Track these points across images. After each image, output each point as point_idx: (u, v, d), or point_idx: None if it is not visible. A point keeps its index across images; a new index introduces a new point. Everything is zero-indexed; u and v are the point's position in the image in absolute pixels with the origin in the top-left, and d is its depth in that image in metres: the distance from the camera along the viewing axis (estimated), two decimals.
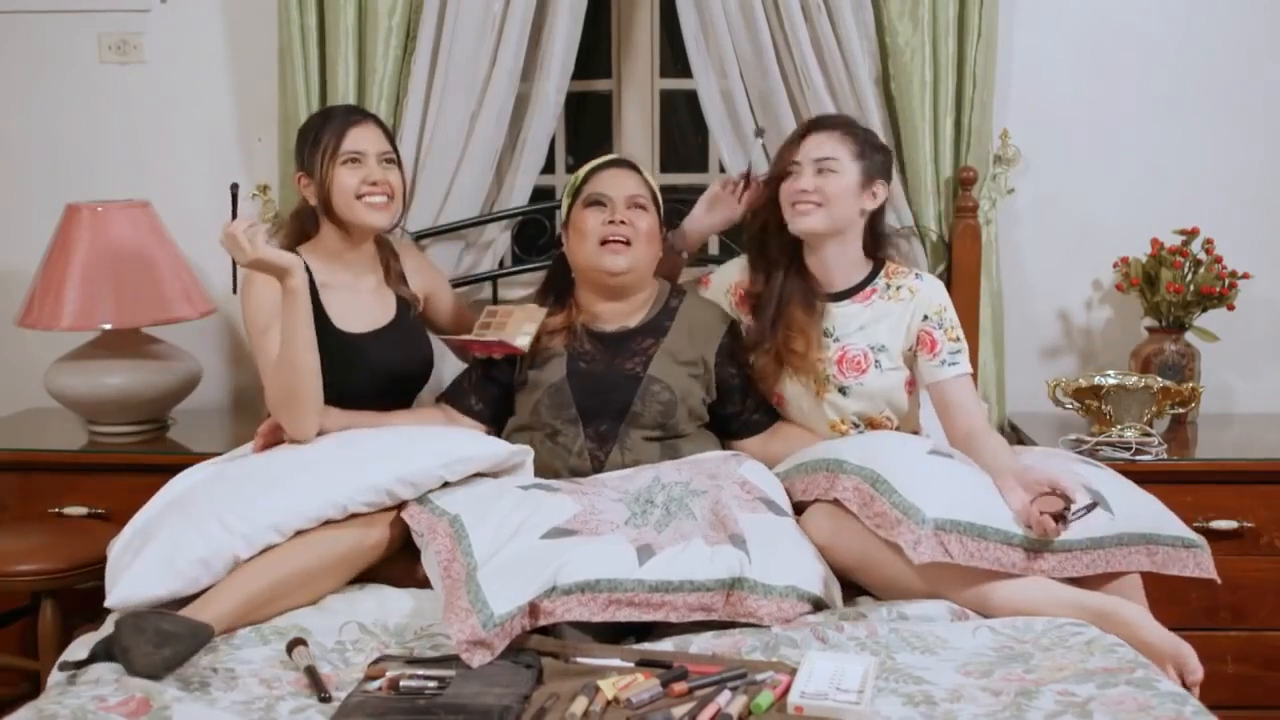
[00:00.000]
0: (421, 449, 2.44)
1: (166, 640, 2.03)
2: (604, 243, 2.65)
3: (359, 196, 2.66)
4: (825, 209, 2.61)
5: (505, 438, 2.69)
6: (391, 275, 2.80)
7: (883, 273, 2.70)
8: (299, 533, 2.31)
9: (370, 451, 2.44)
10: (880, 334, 2.66)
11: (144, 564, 2.23)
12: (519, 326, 2.68)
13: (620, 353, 2.69)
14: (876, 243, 2.73)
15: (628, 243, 2.65)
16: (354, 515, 2.36)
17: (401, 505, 2.42)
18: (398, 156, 2.76)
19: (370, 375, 2.67)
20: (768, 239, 2.72)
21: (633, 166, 2.76)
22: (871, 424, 2.69)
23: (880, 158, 2.69)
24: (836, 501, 2.38)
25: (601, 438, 2.65)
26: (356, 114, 2.74)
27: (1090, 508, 2.31)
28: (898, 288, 2.68)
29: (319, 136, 2.67)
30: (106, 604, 2.21)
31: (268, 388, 2.54)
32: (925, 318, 2.64)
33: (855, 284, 2.69)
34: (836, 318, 2.67)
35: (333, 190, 2.66)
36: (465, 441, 2.51)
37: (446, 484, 2.44)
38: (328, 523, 2.33)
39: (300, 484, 2.35)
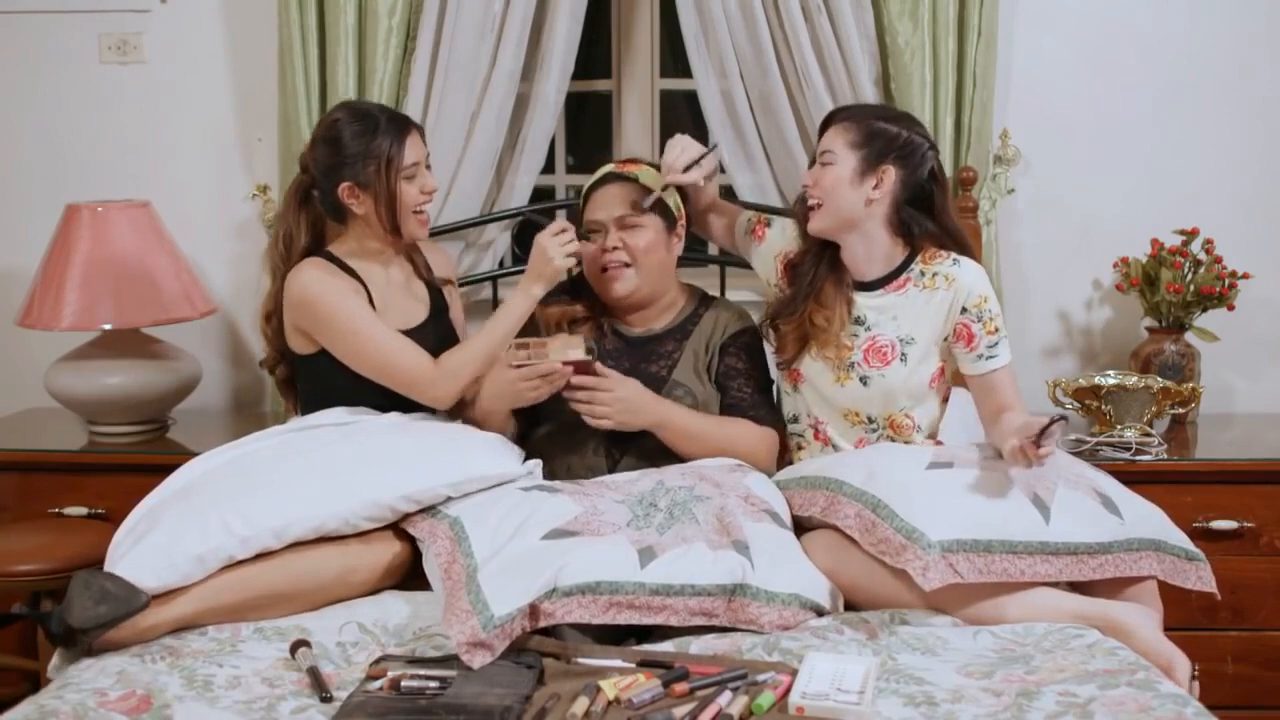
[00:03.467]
0: (434, 466, 2.43)
1: (105, 598, 2.12)
2: (604, 270, 2.65)
3: (415, 210, 2.66)
4: (825, 207, 2.57)
5: (526, 430, 2.70)
6: (419, 268, 2.78)
7: (918, 259, 2.62)
8: (297, 541, 2.31)
9: (382, 465, 2.41)
10: (911, 324, 2.59)
11: (142, 552, 2.24)
12: (564, 352, 2.56)
13: (645, 355, 2.69)
14: (904, 228, 2.61)
15: (628, 264, 2.64)
16: (359, 531, 2.35)
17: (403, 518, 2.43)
18: None
19: None
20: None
21: (627, 177, 2.69)
22: (892, 424, 2.63)
23: (890, 138, 2.54)
24: (834, 528, 2.36)
25: (621, 437, 2.64)
26: (404, 122, 2.67)
27: (1056, 420, 2.31)
28: (933, 275, 2.60)
29: (371, 148, 2.60)
30: (91, 570, 2.21)
31: (449, 363, 2.58)
32: (964, 310, 2.58)
33: (888, 273, 2.62)
34: (869, 307, 2.62)
35: (399, 205, 2.63)
36: (479, 460, 2.48)
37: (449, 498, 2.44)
38: (322, 540, 2.33)
39: (308, 491, 2.34)
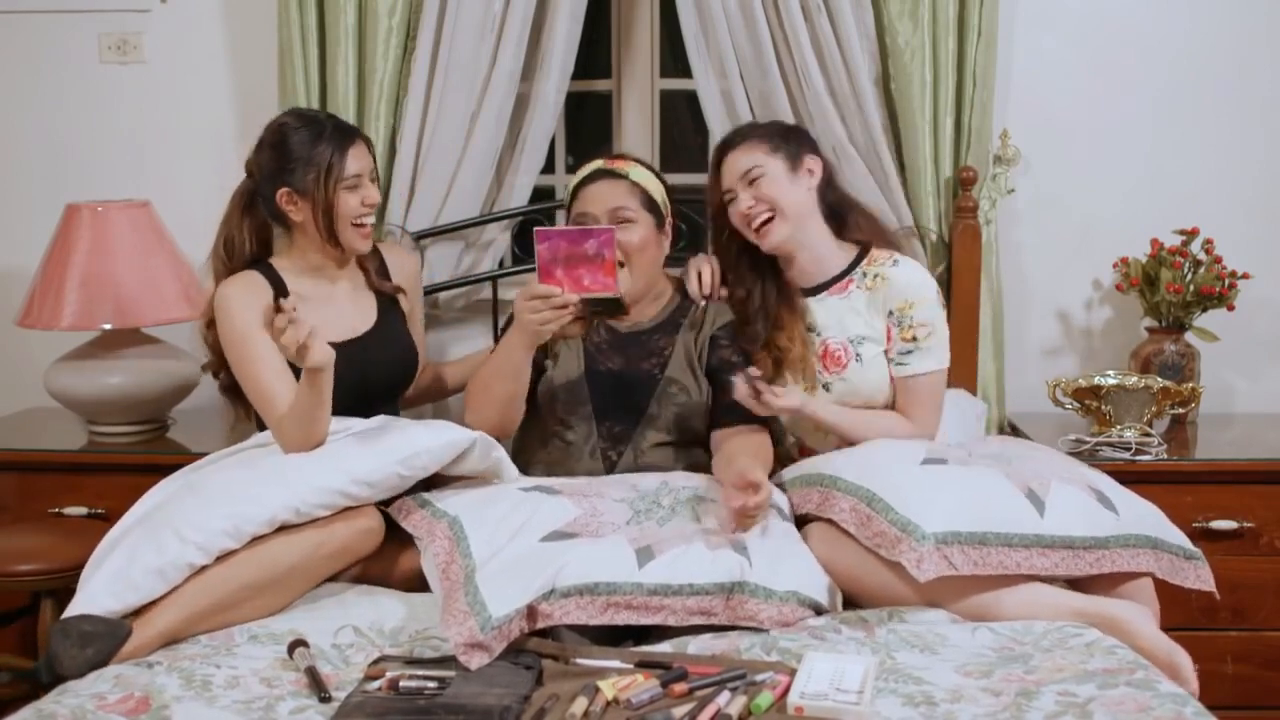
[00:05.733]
0: (380, 448, 2.39)
1: (89, 640, 2.12)
2: None
3: (355, 222, 2.62)
4: (779, 216, 2.62)
5: (520, 431, 2.67)
6: (372, 276, 2.75)
7: (864, 260, 2.70)
8: (257, 538, 2.29)
9: (325, 453, 2.40)
10: (858, 325, 2.65)
11: (101, 578, 2.24)
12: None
13: (637, 351, 2.68)
14: (839, 219, 2.72)
15: (621, 263, 2.58)
16: (314, 519, 2.32)
17: (386, 504, 2.40)
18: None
19: (348, 385, 2.53)
20: (742, 255, 2.72)
21: (617, 174, 2.68)
22: None
23: (795, 137, 2.69)
24: (830, 522, 2.37)
25: (616, 437, 2.64)
26: (350, 132, 2.65)
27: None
28: (874, 276, 2.67)
29: (313, 155, 2.58)
30: (64, 616, 2.21)
31: (285, 421, 2.46)
32: (890, 312, 2.64)
33: (834, 275, 2.69)
34: (818, 312, 2.68)
35: (336, 216, 2.61)
36: (421, 435, 2.43)
37: (431, 485, 2.42)
38: (284, 528, 2.30)
39: (256, 490, 2.32)
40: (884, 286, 2.65)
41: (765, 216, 2.62)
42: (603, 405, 2.65)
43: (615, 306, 2.47)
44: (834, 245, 2.71)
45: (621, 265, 2.59)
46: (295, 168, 2.59)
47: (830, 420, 2.60)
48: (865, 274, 2.68)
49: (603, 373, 2.67)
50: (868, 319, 2.65)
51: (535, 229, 2.41)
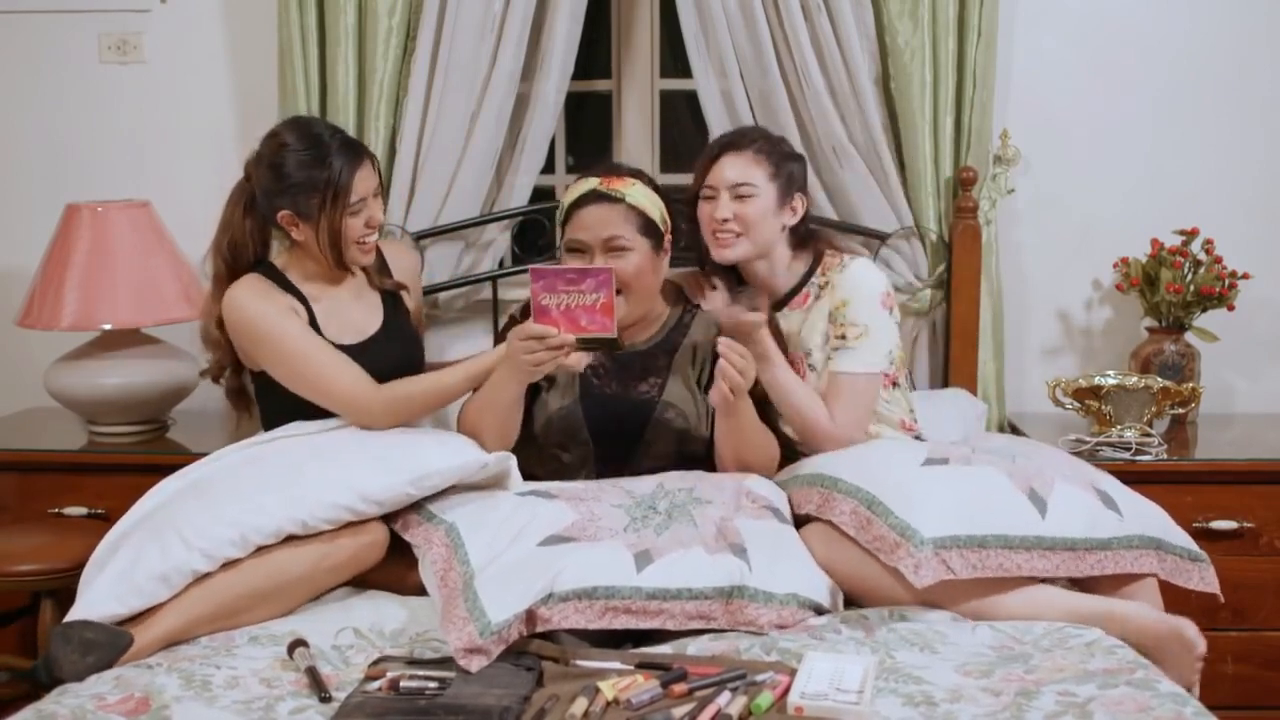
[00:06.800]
0: (392, 465, 2.37)
1: (91, 648, 2.12)
2: None
3: (358, 241, 2.59)
4: (746, 237, 2.63)
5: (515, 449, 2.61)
6: (372, 277, 2.72)
7: (819, 270, 2.72)
8: (261, 548, 2.28)
9: (339, 466, 2.38)
10: (814, 337, 2.67)
11: (105, 581, 2.23)
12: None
13: (633, 373, 2.63)
14: (804, 241, 2.74)
15: (617, 290, 2.45)
16: (320, 532, 2.31)
17: (390, 518, 2.39)
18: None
19: None
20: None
21: (613, 197, 2.53)
22: None
23: (796, 169, 2.70)
24: (830, 523, 2.37)
25: (611, 462, 2.61)
26: (356, 152, 2.57)
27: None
28: (825, 283, 2.69)
29: (316, 179, 2.51)
30: (67, 620, 2.21)
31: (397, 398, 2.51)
32: (830, 314, 2.66)
33: (793, 287, 2.72)
34: (782, 324, 2.70)
35: (341, 240, 2.56)
36: (434, 456, 2.41)
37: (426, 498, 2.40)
38: (291, 538, 2.30)
39: (263, 499, 2.31)
40: (830, 291, 2.67)
41: (733, 233, 2.63)
42: (599, 431, 2.60)
43: (611, 345, 2.38)
44: (790, 259, 2.73)
45: (619, 293, 2.45)
46: (296, 191, 2.53)
47: (778, 364, 2.54)
48: (819, 284, 2.70)
49: (598, 397, 2.61)
50: (823, 329, 2.67)
51: (530, 268, 2.35)
